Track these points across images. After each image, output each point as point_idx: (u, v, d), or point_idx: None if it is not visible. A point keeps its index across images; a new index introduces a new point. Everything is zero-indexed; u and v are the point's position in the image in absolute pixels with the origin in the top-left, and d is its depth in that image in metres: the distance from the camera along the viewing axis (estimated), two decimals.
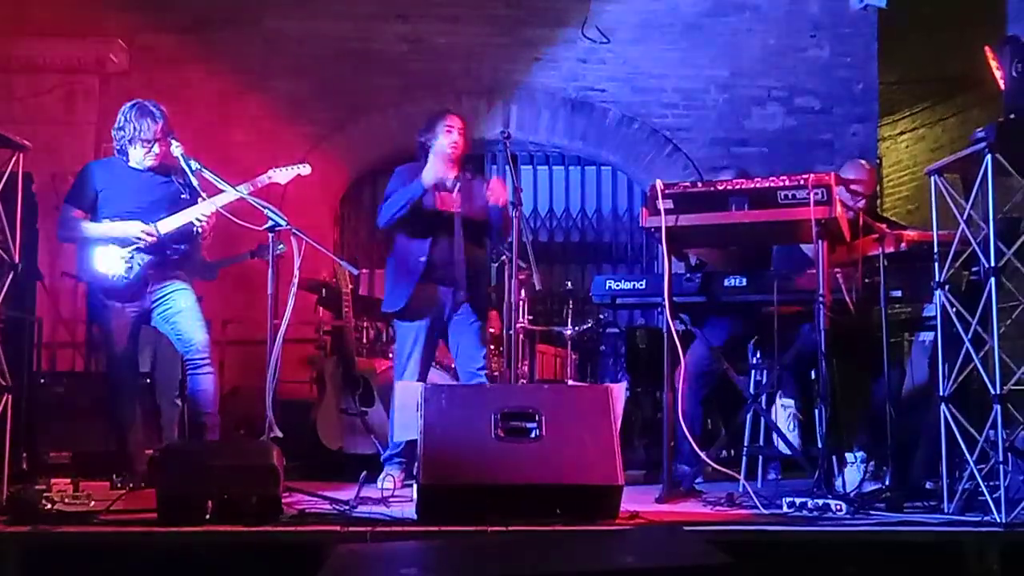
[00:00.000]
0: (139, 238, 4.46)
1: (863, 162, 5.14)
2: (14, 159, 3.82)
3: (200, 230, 4.52)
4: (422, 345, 4.67)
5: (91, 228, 4.52)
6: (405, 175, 4.75)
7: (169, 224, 4.51)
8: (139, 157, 4.56)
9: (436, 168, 4.62)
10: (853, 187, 4.83)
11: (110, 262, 4.47)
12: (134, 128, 4.50)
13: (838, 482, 4.22)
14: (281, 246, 4.34)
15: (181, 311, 4.53)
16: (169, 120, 4.55)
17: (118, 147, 4.58)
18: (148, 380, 5.28)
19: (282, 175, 4.71)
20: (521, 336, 5.43)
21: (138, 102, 4.59)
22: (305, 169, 4.77)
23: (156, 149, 4.53)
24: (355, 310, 5.76)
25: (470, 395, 3.80)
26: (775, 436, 4.44)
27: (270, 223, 4.27)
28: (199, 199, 4.48)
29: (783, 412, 4.77)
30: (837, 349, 4.11)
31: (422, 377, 4.67)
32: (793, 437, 4.67)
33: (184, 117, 4.97)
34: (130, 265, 4.48)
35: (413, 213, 4.63)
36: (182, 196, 4.58)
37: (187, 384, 4.57)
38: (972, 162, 3.64)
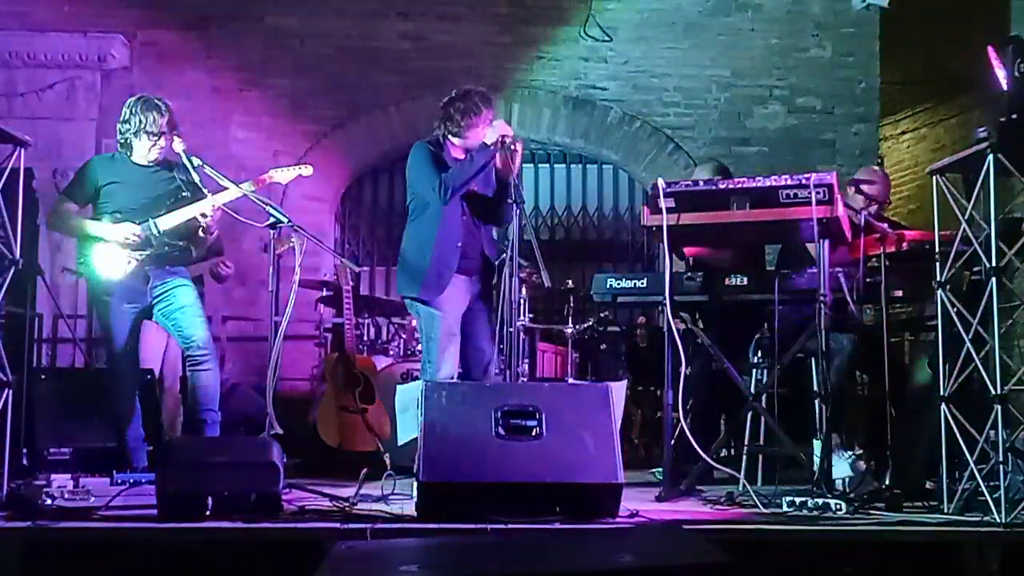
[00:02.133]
0: (128, 240, 4.45)
1: (876, 168, 5.16)
2: (15, 155, 3.81)
3: (206, 226, 4.52)
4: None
5: (81, 224, 4.52)
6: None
7: (169, 221, 4.51)
8: (144, 151, 4.55)
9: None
10: (864, 188, 4.84)
11: (109, 259, 4.47)
12: (139, 121, 4.50)
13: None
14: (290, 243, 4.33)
15: (182, 307, 4.53)
16: (174, 114, 4.55)
17: (121, 140, 4.58)
18: (149, 376, 5.27)
19: (283, 175, 4.70)
20: (521, 334, 5.41)
21: (143, 96, 4.61)
22: (306, 170, 4.76)
23: (161, 143, 4.52)
24: (356, 307, 5.76)
25: (470, 393, 3.79)
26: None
27: (271, 220, 4.27)
28: (201, 196, 4.48)
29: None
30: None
31: None
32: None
33: (185, 113, 4.97)
34: (129, 262, 4.47)
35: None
36: (183, 193, 4.57)
37: (187, 380, 4.57)
38: (974, 162, 3.64)
